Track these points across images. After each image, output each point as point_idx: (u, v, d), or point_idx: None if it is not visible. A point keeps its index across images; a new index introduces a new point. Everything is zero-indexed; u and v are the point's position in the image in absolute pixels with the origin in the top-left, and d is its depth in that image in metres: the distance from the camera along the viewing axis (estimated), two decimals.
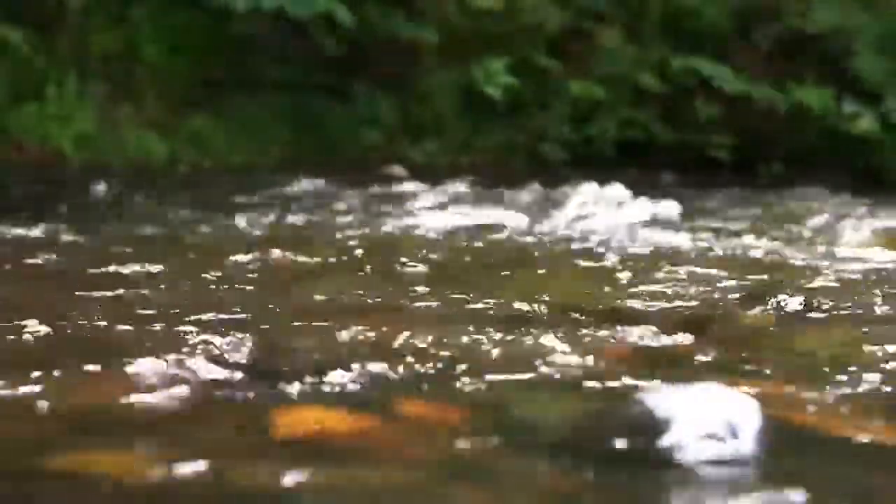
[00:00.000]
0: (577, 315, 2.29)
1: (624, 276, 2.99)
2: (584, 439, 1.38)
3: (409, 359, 1.79)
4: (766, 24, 9.82)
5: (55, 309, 2.28)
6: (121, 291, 2.56)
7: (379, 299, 2.53)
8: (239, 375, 1.72)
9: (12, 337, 2.02)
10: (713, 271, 3.10)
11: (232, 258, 3.10)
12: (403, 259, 3.31)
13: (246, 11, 8.40)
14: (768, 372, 1.78)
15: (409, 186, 6.73)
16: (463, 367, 1.79)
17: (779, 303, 2.37)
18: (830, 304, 2.45)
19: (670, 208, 5.26)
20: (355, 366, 1.73)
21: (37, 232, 3.87)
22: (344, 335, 2.00)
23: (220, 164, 8.24)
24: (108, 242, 3.80)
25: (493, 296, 2.56)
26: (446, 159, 9.34)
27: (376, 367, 1.74)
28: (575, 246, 3.89)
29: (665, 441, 1.30)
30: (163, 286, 2.66)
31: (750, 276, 3.04)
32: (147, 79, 8.79)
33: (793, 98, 9.39)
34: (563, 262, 3.48)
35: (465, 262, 3.29)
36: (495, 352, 1.90)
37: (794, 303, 2.36)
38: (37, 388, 1.63)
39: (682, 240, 4.07)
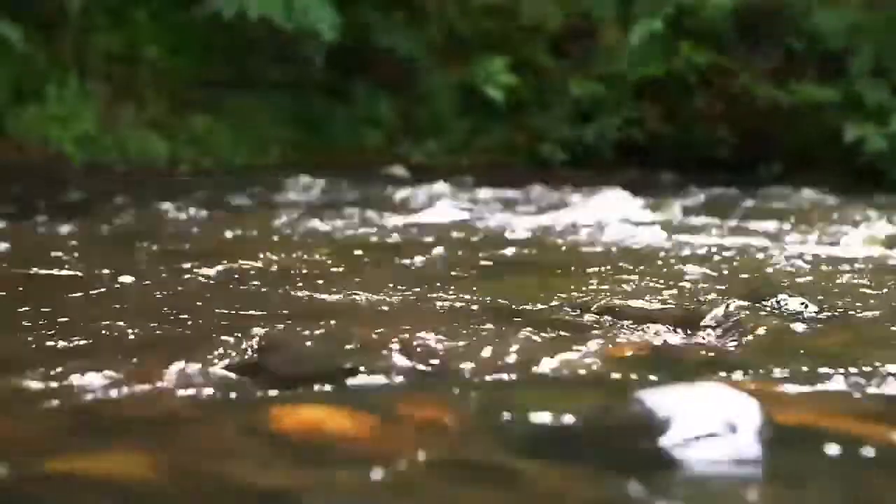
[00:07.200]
0: (577, 315, 2.29)
1: (624, 275, 2.99)
2: (584, 439, 1.38)
3: (410, 359, 1.79)
4: (767, 24, 9.83)
5: (50, 309, 2.28)
6: (120, 293, 2.56)
7: (378, 299, 2.53)
8: (239, 375, 1.72)
9: (12, 336, 2.02)
10: (713, 271, 3.10)
11: (232, 258, 3.10)
12: (403, 258, 3.31)
13: (232, 20, 8.42)
14: (768, 372, 1.78)
15: (409, 186, 6.74)
16: (463, 366, 1.79)
17: (779, 303, 2.36)
18: (831, 303, 2.45)
19: (670, 208, 5.26)
20: (356, 366, 1.73)
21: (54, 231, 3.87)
22: (344, 335, 2.00)
23: (220, 164, 8.24)
24: (110, 243, 3.81)
25: (493, 295, 2.56)
26: (447, 159, 9.35)
27: (376, 366, 1.74)
28: (574, 246, 3.89)
29: (665, 440, 1.30)
30: (162, 287, 2.66)
31: (750, 276, 3.04)
32: (148, 79, 8.80)
33: (796, 97, 9.39)
34: (564, 262, 3.48)
35: (465, 262, 3.29)
36: (495, 351, 1.90)
37: (794, 303, 2.36)
38: (37, 388, 1.63)
39: (682, 239, 4.07)
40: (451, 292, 2.60)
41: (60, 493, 1.23)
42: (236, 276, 2.88)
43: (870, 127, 8.86)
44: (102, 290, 2.62)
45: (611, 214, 4.88)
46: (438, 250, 3.53)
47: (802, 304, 2.37)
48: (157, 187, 6.26)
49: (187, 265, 3.03)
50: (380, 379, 1.70)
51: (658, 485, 1.25)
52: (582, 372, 1.79)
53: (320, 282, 2.80)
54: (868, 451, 1.39)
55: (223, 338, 1.95)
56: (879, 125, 8.88)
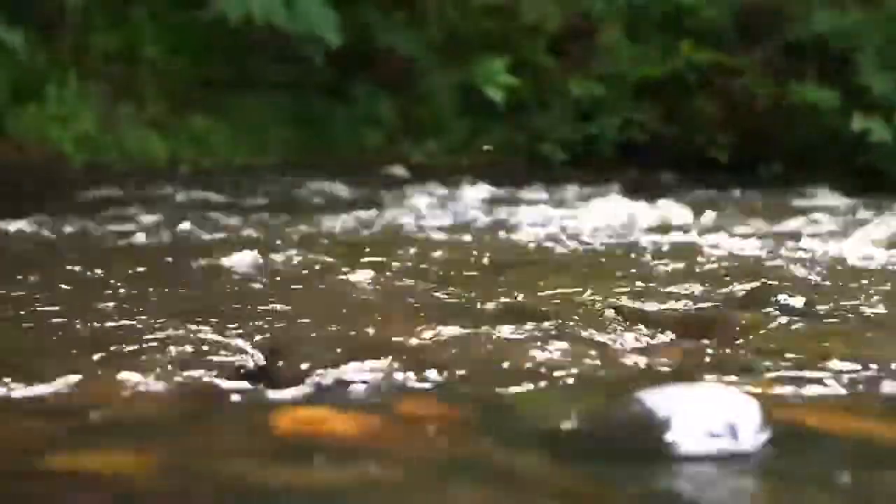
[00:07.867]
0: (577, 315, 2.29)
1: (624, 276, 2.99)
2: (584, 439, 1.38)
3: (410, 358, 1.79)
4: (767, 24, 9.83)
5: (51, 308, 2.28)
6: (121, 293, 2.57)
7: (379, 299, 2.53)
8: (240, 375, 1.72)
9: (12, 335, 2.02)
10: (713, 271, 3.10)
11: (232, 258, 3.10)
12: (403, 258, 3.31)
13: (237, 24, 8.42)
14: (768, 372, 1.78)
15: (409, 186, 6.74)
16: (463, 366, 1.79)
17: (779, 303, 2.37)
18: (830, 304, 2.45)
19: (670, 208, 5.26)
20: (356, 365, 1.73)
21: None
22: (344, 335, 2.00)
23: (220, 164, 8.23)
24: (106, 243, 3.81)
25: (493, 295, 2.56)
26: (447, 159, 9.35)
27: (377, 366, 1.74)
28: (575, 246, 3.89)
29: (665, 441, 1.30)
30: (162, 286, 2.66)
31: (750, 277, 3.04)
32: (147, 79, 8.79)
33: (796, 97, 9.39)
34: (563, 263, 3.48)
35: (465, 262, 3.29)
36: (495, 351, 1.90)
37: (794, 303, 2.36)
38: (38, 388, 1.63)
39: (682, 240, 4.07)
40: (451, 292, 2.60)
41: (60, 493, 1.23)
42: (235, 276, 2.88)
43: (875, 120, 8.86)
44: (102, 289, 2.62)
45: (610, 215, 4.88)
46: (439, 250, 3.53)
47: (802, 304, 2.37)
48: (157, 187, 6.26)
49: (185, 266, 3.03)
50: (379, 379, 1.70)
51: (658, 485, 1.25)
52: (582, 372, 1.79)
53: (320, 281, 2.80)
54: (868, 451, 1.39)
55: (223, 338, 1.95)
56: (885, 119, 8.89)
